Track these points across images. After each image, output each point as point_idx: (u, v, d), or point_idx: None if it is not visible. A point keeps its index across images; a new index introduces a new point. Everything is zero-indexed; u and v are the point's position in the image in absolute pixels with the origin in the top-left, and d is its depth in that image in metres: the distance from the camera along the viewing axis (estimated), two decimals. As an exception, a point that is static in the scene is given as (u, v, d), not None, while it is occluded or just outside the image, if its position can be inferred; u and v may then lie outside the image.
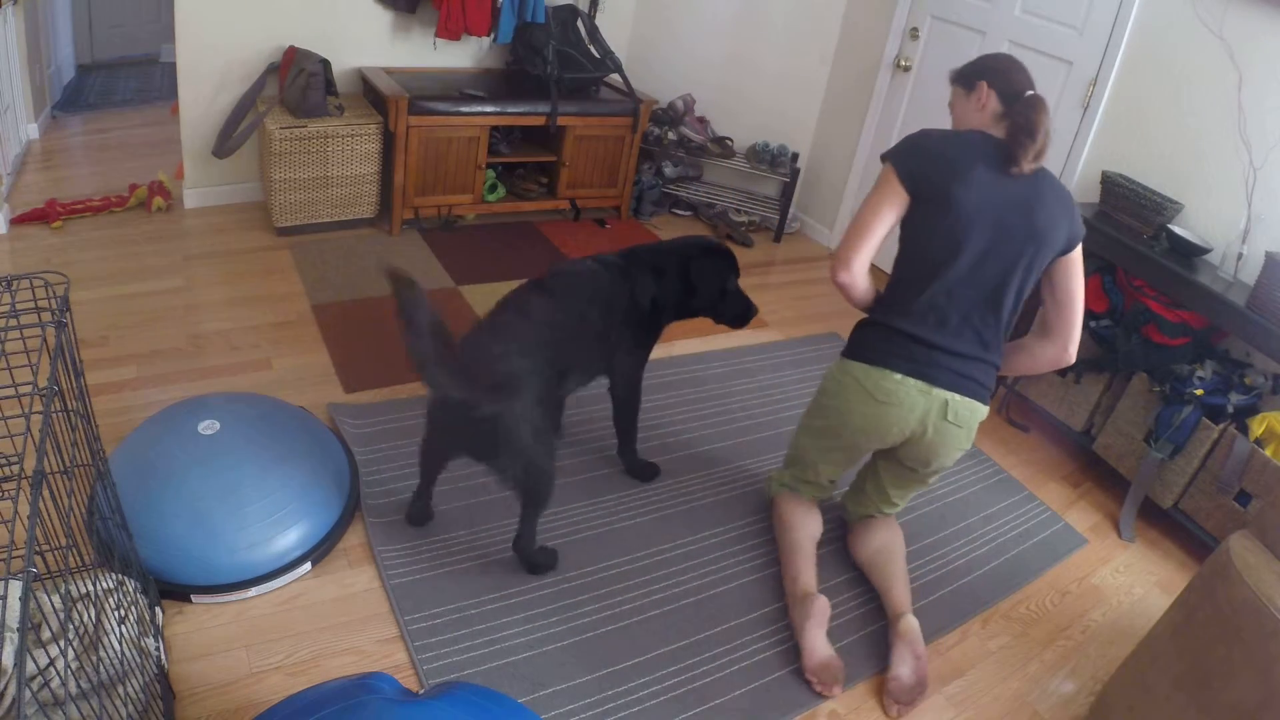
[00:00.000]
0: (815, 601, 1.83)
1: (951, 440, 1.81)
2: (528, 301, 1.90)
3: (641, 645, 1.81)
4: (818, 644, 1.79)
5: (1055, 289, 1.80)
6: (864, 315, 1.90)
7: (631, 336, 2.09)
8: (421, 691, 1.30)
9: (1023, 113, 1.72)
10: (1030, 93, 1.75)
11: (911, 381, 1.75)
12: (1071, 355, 1.84)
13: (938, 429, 1.78)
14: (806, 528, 2.02)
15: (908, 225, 1.77)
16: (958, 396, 1.76)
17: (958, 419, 1.77)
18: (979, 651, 1.96)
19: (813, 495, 2.09)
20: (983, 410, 1.80)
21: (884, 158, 1.80)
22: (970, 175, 1.69)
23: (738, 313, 2.19)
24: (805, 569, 1.94)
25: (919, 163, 1.74)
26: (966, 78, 1.86)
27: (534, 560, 1.95)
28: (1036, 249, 1.70)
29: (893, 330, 1.78)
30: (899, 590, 1.93)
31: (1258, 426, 2.21)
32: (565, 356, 1.90)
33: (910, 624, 1.83)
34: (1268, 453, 2.16)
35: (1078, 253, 1.76)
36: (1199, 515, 2.34)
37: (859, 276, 1.79)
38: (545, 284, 1.96)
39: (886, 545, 2.03)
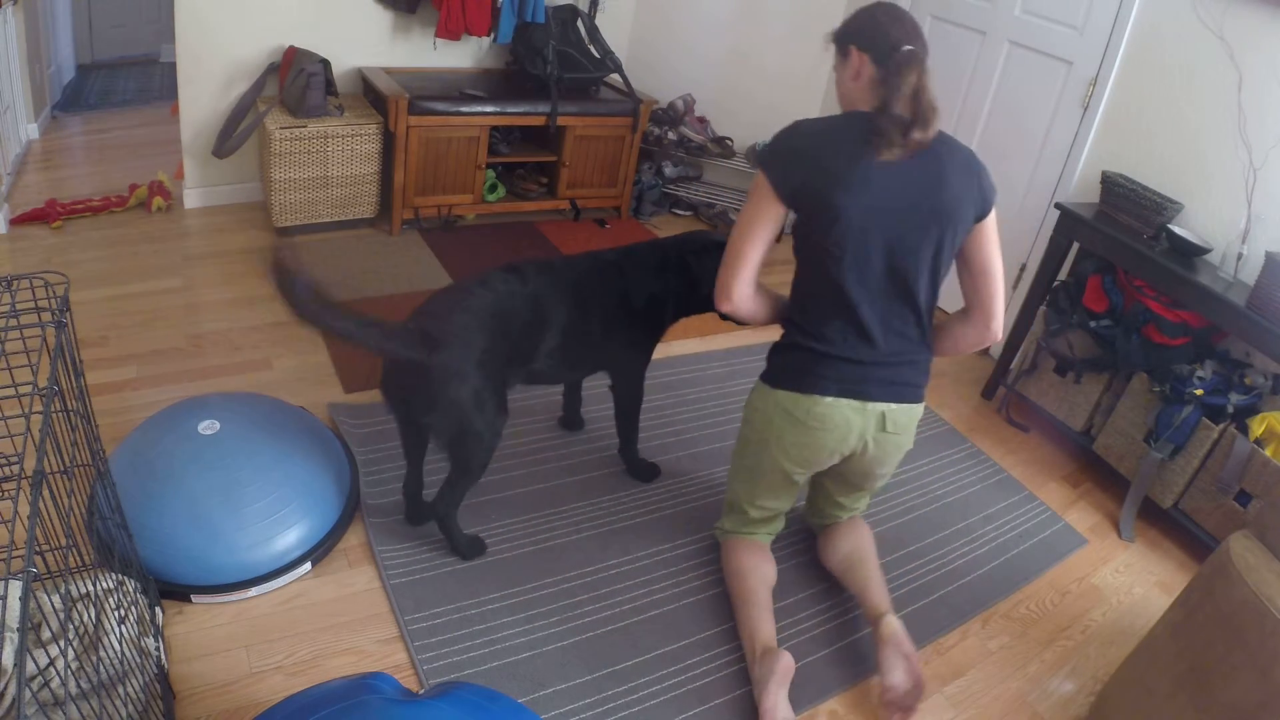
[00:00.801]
0: (779, 659, 1.67)
1: (892, 448, 1.72)
2: (493, 276, 1.89)
3: (641, 645, 1.81)
4: (779, 706, 1.63)
5: (970, 263, 1.66)
6: (775, 331, 1.78)
7: (626, 334, 2.07)
8: (421, 691, 1.30)
9: (893, 74, 1.52)
10: (906, 48, 1.54)
11: (844, 402, 1.63)
12: (996, 333, 1.71)
13: (877, 442, 1.69)
14: (758, 571, 1.86)
15: (798, 238, 1.62)
16: (894, 405, 1.65)
17: (896, 427, 1.68)
18: (979, 651, 1.96)
19: (765, 535, 1.95)
20: (919, 409, 1.71)
21: (759, 163, 1.62)
22: (852, 176, 1.50)
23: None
24: (762, 621, 1.78)
25: (792, 169, 1.55)
26: (839, 42, 1.66)
27: (456, 538, 1.93)
28: (943, 230, 1.55)
29: (813, 352, 1.65)
30: (875, 591, 1.85)
31: (1258, 426, 2.21)
32: (525, 336, 1.87)
33: (892, 624, 1.74)
34: (1268, 453, 2.16)
35: (991, 219, 1.63)
36: (1199, 515, 2.34)
37: (742, 302, 1.66)
38: (518, 266, 1.94)
39: (856, 548, 1.94)
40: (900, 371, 1.66)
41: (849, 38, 1.62)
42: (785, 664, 1.66)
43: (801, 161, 1.55)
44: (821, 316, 1.64)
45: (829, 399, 1.63)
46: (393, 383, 1.83)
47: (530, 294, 1.89)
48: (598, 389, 2.65)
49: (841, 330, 1.62)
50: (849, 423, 1.64)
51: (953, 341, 1.75)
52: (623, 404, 2.23)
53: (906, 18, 1.60)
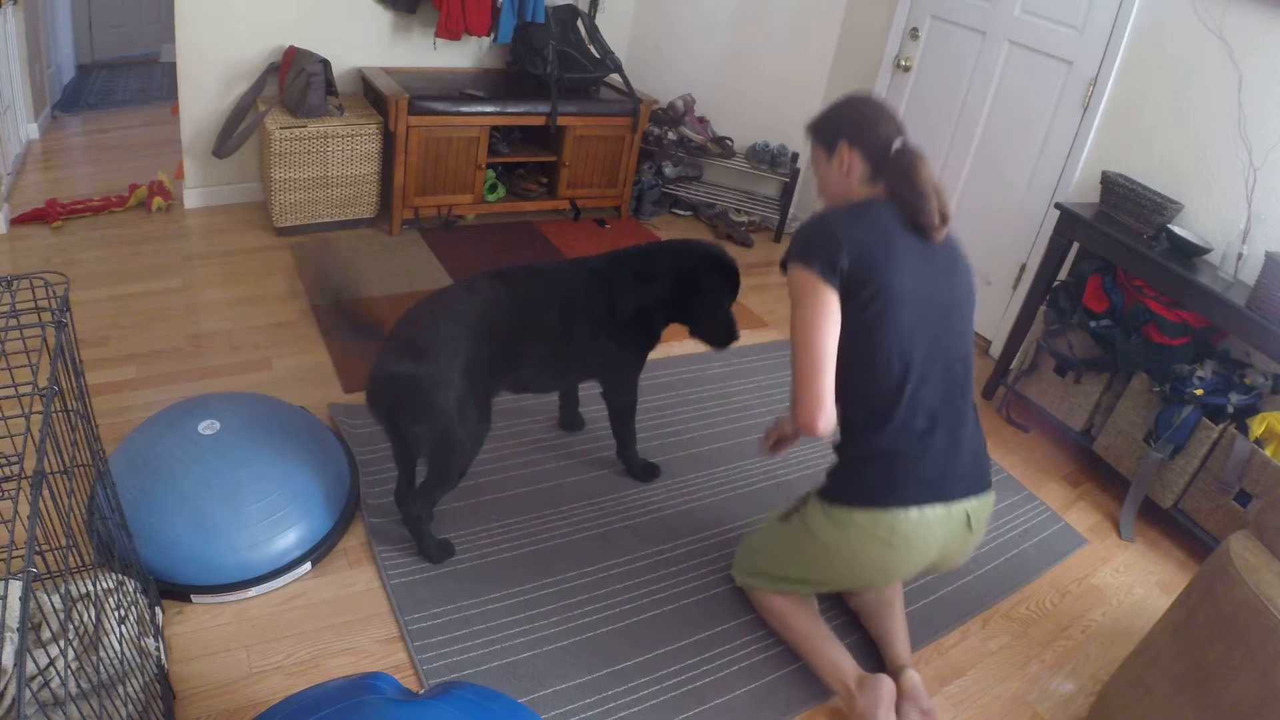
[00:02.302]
0: (880, 684, 1.60)
1: (971, 546, 1.62)
2: (479, 282, 1.89)
3: (641, 645, 1.81)
4: None
5: None
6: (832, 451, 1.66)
7: (614, 343, 2.04)
8: (421, 691, 1.30)
9: (898, 171, 1.52)
10: (898, 144, 1.54)
11: (929, 510, 1.50)
12: None
13: (960, 546, 1.58)
14: (802, 605, 1.79)
15: (847, 332, 1.47)
16: (975, 501, 1.55)
17: (979, 525, 1.58)
18: (979, 651, 1.96)
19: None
20: (993, 498, 1.62)
21: (791, 263, 1.50)
22: (899, 258, 1.47)
23: (722, 335, 2.08)
24: (839, 652, 1.71)
25: (836, 253, 1.46)
26: (824, 137, 1.62)
27: (422, 539, 1.92)
28: (972, 310, 1.58)
29: (886, 457, 1.51)
30: (899, 642, 1.79)
31: (1258, 426, 2.21)
32: (510, 344, 1.87)
33: (912, 679, 1.69)
34: (1268, 453, 2.16)
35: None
36: (1199, 515, 2.34)
37: (833, 415, 1.48)
38: (505, 273, 1.93)
39: (884, 592, 1.86)
40: (975, 458, 1.58)
41: (837, 133, 1.58)
42: (888, 688, 1.61)
43: (844, 244, 1.46)
44: (885, 416, 1.51)
45: (914, 512, 1.50)
46: (378, 393, 1.82)
47: (516, 300, 1.89)
48: (595, 390, 2.65)
49: (908, 427, 1.50)
50: (935, 532, 1.52)
51: None
52: (614, 411, 2.23)
53: (888, 108, 1.60)
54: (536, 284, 1.94)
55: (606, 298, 1.99)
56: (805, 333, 1.47)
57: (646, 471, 2.32)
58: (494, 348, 1.83)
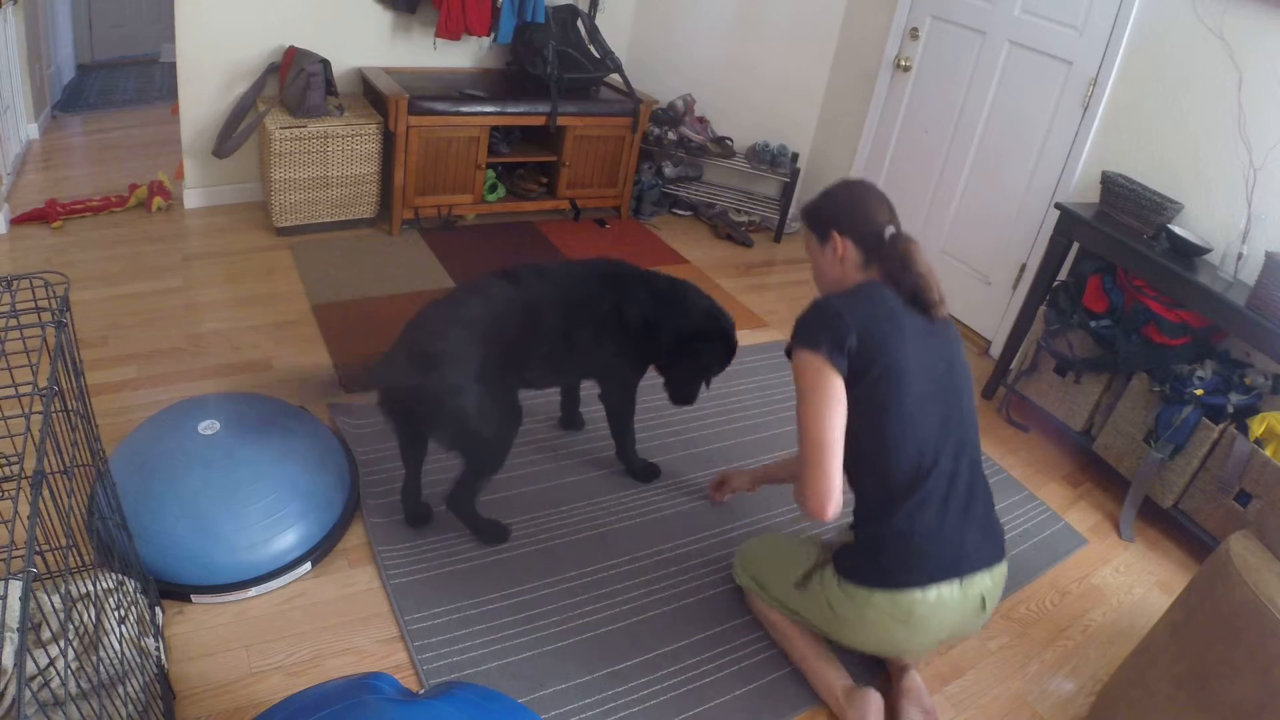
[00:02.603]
0: (868, 699, 1.63)
1: (982, 622, 1.62)
2: (487, 282, 1.90)
3: (641, 645, 1.81)
4: None
5: None
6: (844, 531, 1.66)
7: (618, 347, 2.04)
8: (421, 691, 1.30)
9: (892, 257, 1.54)
10: (891, 231, 1.56)
11: (945, 589, 1.50)
12: None
13: (973, 623, 1.59)
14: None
15: (857, 412, 1.46)
16: (989, 577, 1.56)
17: (991, 602, 1.58)
18: (979, 651, 1.96)
19: None
20: (1005, 568, 1.62)
21: (797, 348, 1.48)
22: (905, 336, 1.48)
23: (685, 396, 2.13)
24: (832, 666, 1.73)
25: (842, 333, 1.44)
26: (817, 226, 1.63)
27: (476, 525, 1.98)
28: (971, 384, 1.60)
29: (903, 538, 1.50)
30: None
31: (1258, 426, 2.21)
32: (519, 343, 1.88)
33: (915, 678, 1.73)
34: (1268, 453, 2.16)
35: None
36: (1199, 515, 2.34)
37: (840, 499, 1.45)
38: (513, 270, 1.95)
39: None
40: (987, 529, 1.58)
41: (829, 223, 1.60)
42: (876, 703, 1.63)
43: (850, 324, 1.45)
44: (900, 495, 1.50)
45: (931, 593, 1.50)
46: (392, 400, 1.85)
47: (524, 300, 1.90)
48: (594, 390, 2.65)
49: (923, 505, 1.49)
50: (951, 608, 1.53)
51: None
52: (611, 414, 2.23)
53: (879, 193, 1.62)
54: (545, 282, 1.95)
55: (614, 302, 2.00)
56: (814, 419, 1.44)
57: (646, 472, 2.32)
58: (505, 347, 1.84)
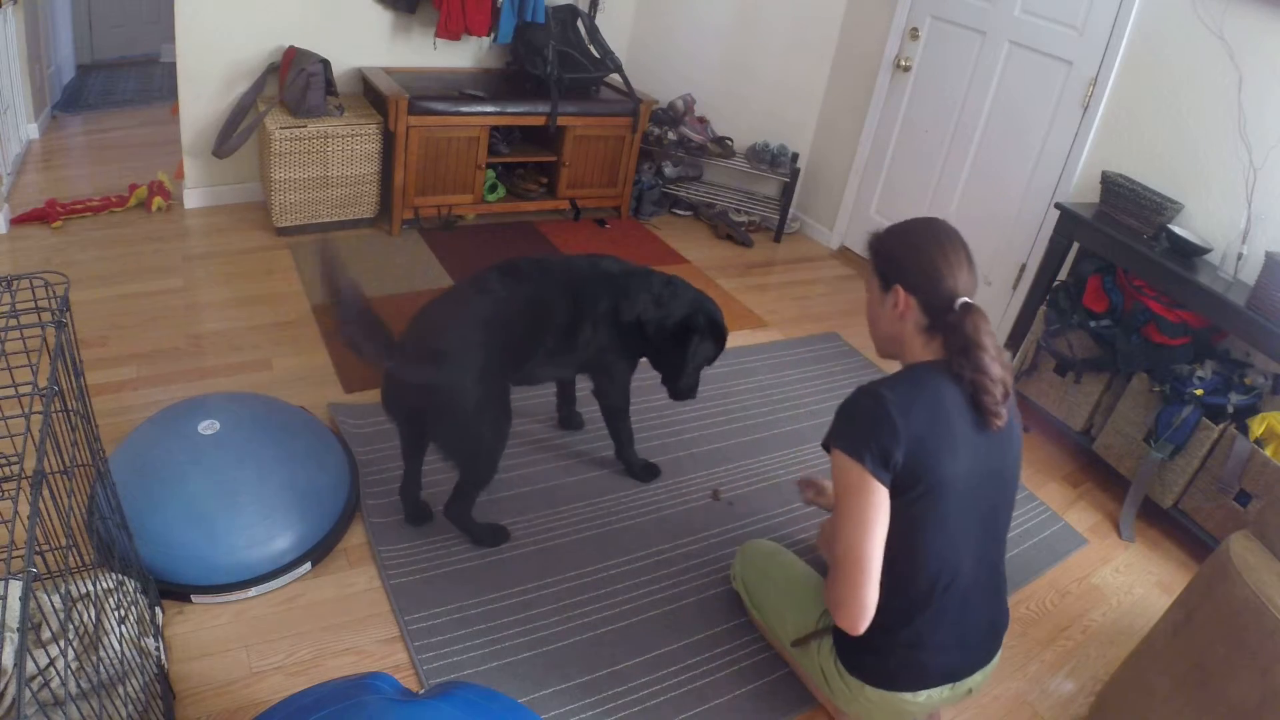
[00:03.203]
0: None
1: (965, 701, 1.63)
2: (489, 278, 1.90)
3: (641, 645, 1.81)
4: None
5: None
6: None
7: (613, 342, 2.05)
8: (421, 691, 1.30)
9: (959, 337, 1.35)
10: (962, 302, 1.37)
11: (938, 691, 1.50)
12: None
13: (958, 705, 1.60)
14: None
15: (891, 521, 1.35)
16: (981, 675, 1.53)
17: (980, 687, 1.56)
18: (979, 651, 1.96)
19: None
20: (999, 655, 1.59)
21: (838, 448, 1.36)
22: (954, 441, 1.34)
23: (683, 390, 2.13)
24: None
25: (893, 448, 1.31)
26: (881, 272, 1.46)
27: (473, 532, 1.98)
28: (1018, 472, 1.51)
29: (912, 648, 1.46)
30: None
31: (1258, 426, 2.21)
32: (523, 338, 1.89)
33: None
34: (1268, 453, 2.16)
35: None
36: (1199, 515, 2.34)
37: (873, 611, 1.37)
38: (515, 264, 1.95)
39: None
40: (993, 629, 1.55)
41: (895, 273, 1.42)
42: None
43: (901, 436, 1.31)
44: (919, 607, 1.43)
45: (921, 696, 1.49)
46: (395, 396, 1.85)
47: (527, 294, 1.90)
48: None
49: (940, 618, 1.44)
50: (935, 706, 1.53)
51: None
52: (606, 412, 2.22)
53: (959, 245, 1.41)
54: (547, 279, 1.95)
55: (612, 299, 2.01)
56: (852, 531, 1.33)
57: (646, 471, 2.32)
58: (507, 345, 1.85)
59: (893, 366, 1.53)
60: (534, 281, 1.93)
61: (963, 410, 1.36)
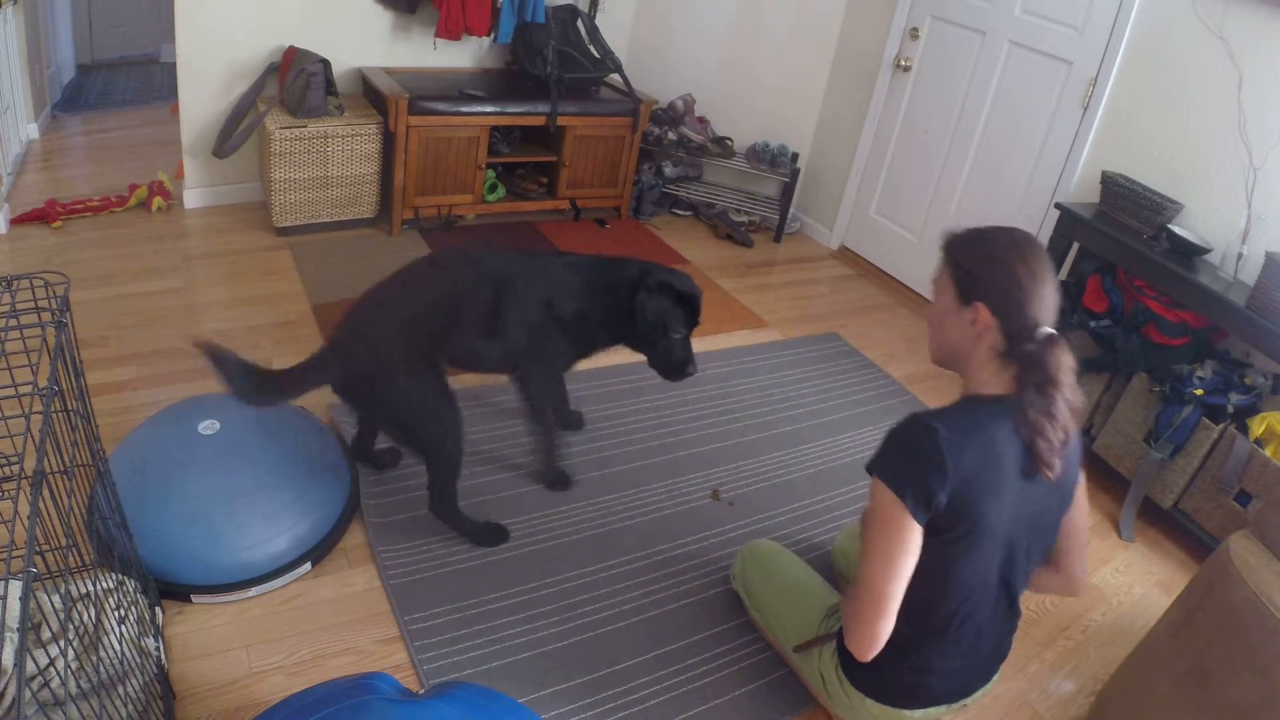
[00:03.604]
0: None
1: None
2: (412, 273, 1.96)
3: (641, 645, 1.81)
4: None
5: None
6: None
7: (534, 342, 1.97)
8: (421, 691, 1.30)
9: (1036, 371, 1.26)
10: (1046, 333, 1.28)
11: (935, 710, 1.51)
12: (1081, 588, 1.55)
13: (951, 713, 1.58)
14: None
15: (923, 556, 1.31)
16: (980, 694, 1.54)
17: (974, 703, 1.58)
18: (979, 651, 1.96)
19: None
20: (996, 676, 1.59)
21: (881, 478, 1.29)
22: (1002, 487, 1.28)
23: (666, 365, 2.02)
24: None
25: (938, 489, 1.25)
26: (962, 283, 1.34)
27: (465, 529, 1.98)
28: (1062, 516, 1.44)
29: (922, 672, 1.45)
30: None
31: (1258, 426, 2.21)
32: (446, 329, 1.91)
33: None
34: (1268, 453, 2.16)
35: (1081, 483, 1.47)
36: (1199, 515, 2.34)
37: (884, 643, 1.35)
38: (438, 257, 2.03)
39: None
40: (998, 653, 1.54)
41: (982, 291, 1.31)
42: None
43: (949, 477, 1.24)
44: (935, 635, 1.42)
45: (918, 713, 1.50)
46: (342, 388, 1.93)
47: (449, 288, 1.93)
48: (595, 390, 2.65)
49: (954, 647, 1.43)
50: (933, 718, 1.54)
51: (1037, 586, 1.57)
52: (524, 407, 2.15)
53: (1045, 266, 1.30)
54: (472, 270, 1.96)
55: (546, 296, 1.95)
56: (879, 565, 1.29)
57: (558, 480, 2.22)
58: (433, 335, 1.88)
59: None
60: (456, 274, 1.95)
61: (1016, 455, 1.29)
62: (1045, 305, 1.29)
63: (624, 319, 1.98)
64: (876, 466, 1.31)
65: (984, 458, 1.26)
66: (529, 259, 2.03)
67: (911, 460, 1.26)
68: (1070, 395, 1.27)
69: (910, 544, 1.27)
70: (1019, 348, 1.29)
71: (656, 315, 1.95)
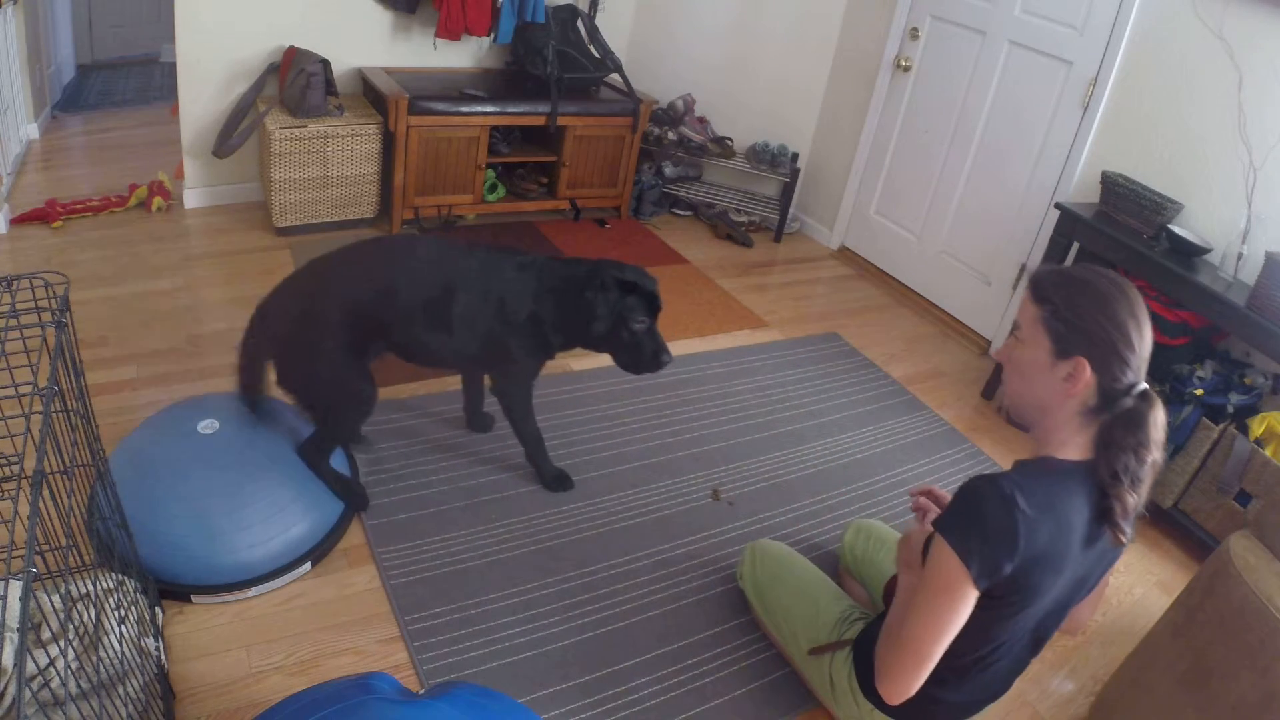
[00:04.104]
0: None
1: None
2: (352, 254, 1.98)
3: (641, 645, 1.81)
4: None
5: None
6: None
7: (497, 340, 1.95)
8: (421, 691, 1.30)
9: (1125, 432, 1.19)
10: (1143, 390, 1.21)
11: None
12: (1082, 629, 1.56)
13: None
14: None
15: (970, 615, 1.26)
16: (987, 709, 1.53)
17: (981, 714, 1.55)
18: (979, 651, 1.96)
19: None
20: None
21: (948, 540, 1.22)
22: (1066, 564, 1.23)
23: (636, 359, 1.94)
24: None
25: (1005, 563, 1.19)
26: (1065, 330, 1.21)
27: (329, 480, 1.97)
28: (1108, 567, 1.40)
29: (939, 703, 1.44)
30: None
31: (1258, 426, 2.21)
32: (379, 317, 1.91)
33: None
34: (1268, 453, 2.16)
35: None
36: (1199, 515, 2.34)
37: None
38: (380, 241, 2.04)
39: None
40: (1011, 680, 1.50)
41: (1081, 345, 1.20)
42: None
43: (1019, 553, 1.18)
44: (962, 676, 1.40)
45: None
46: (252, 344, 1.96)
47: (387, 272, 1.93)
48: (595, 390, 2.66)
49: (977, 686, 1.43)
50: None
51: None
52: (505, 411, 2.15)
53: (1146, 316, 1.22)
54: (413, 261, 1.95)
55: (497, 293, 1.92)
56: (924, 630, 1.25)
57: (558, 482, 2.22)
58: (361, 317, 1.90)
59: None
60: (397, 263, 1.94)
61: (1084, 524, 1.22)
62: (1144, 360, 1.21)
63: (577, 320, 1.92)
64: (946, 528, 1.24)
65: (1056, 535, 1.20)
66: (477, 255, 1.96)
67: (985, 532, 1.19)
68: (1159, 456, 1.20)
69: (963, 611, 1.23)
70: (1112, 405, 1.20)
71: (610, 310, 1.88)
